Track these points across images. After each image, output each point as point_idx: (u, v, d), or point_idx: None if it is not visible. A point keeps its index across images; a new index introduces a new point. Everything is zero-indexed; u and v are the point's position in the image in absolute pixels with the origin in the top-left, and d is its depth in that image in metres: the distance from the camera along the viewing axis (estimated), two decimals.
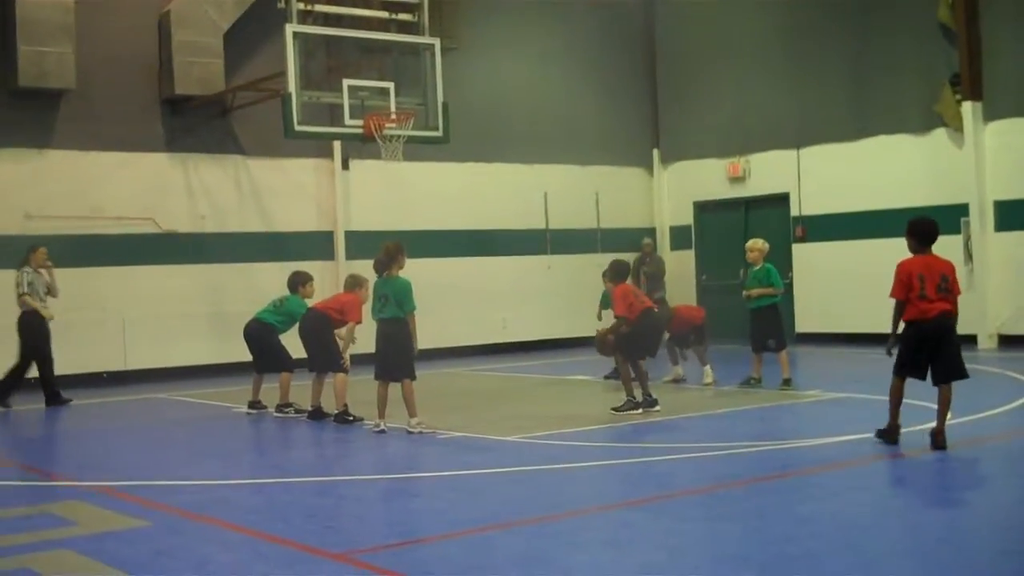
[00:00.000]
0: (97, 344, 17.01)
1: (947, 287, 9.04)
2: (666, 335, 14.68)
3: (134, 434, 12.27)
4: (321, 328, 12.22)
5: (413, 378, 10.96)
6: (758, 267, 13.60)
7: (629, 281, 12.49)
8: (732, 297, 21.46)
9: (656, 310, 12.54)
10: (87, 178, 17.13)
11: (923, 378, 9.15)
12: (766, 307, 13.52)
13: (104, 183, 17.27)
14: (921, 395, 9.44)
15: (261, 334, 12.98)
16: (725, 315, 19.30)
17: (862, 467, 8.72)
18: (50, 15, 16.26)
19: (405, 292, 10.89)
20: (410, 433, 10.76)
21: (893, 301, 9.10)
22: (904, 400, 9.30)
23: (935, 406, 9.13)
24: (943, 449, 8.92)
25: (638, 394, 11.83)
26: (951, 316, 9.08)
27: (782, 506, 7.44)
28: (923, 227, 9.21)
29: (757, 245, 13.78)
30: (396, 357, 10.89)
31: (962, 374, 9.10)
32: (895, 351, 9.14)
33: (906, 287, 8.99)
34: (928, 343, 8.98)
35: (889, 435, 9.30)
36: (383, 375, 11.03)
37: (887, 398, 9.31)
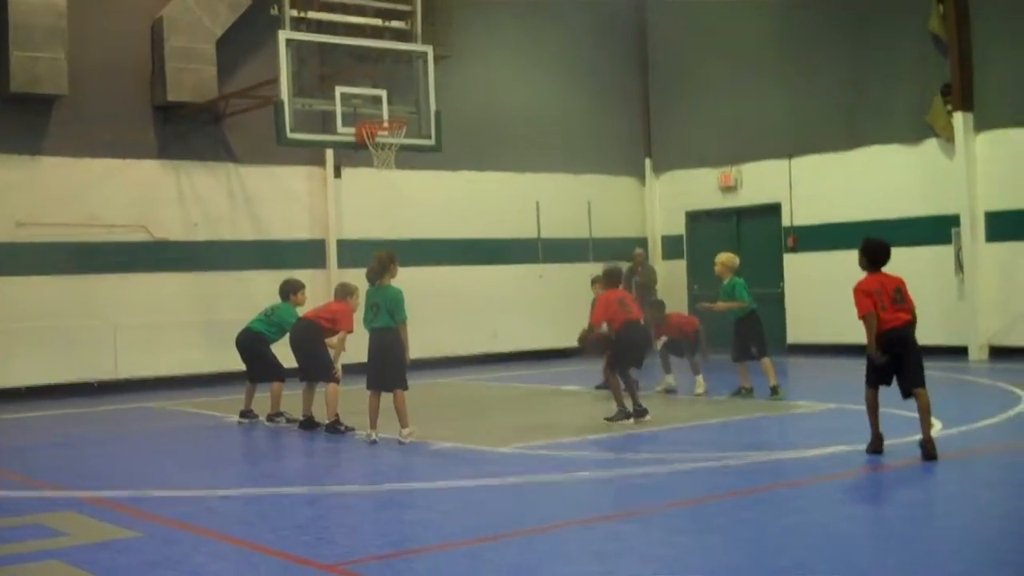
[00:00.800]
0: (88, 352, 16.96)
1: (901, 297, 9.17)
2: (659, 342, 14.72)
3: (125, 444, 12.24)
4: (312, 337, 12.20)
5: (405, 388, 10.95)
6: (726, 281, 13.68)
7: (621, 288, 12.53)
8: None
9: (642, 322, 12.54)
10: (79, 185, 17.10)
11: (890, 384, 9.25)
12: (747, 315, 13.59)
13: (96, 190, 17.23)
14: (910, 406, 9.45)
15: (252, 343, 12.96)
16: (718, 325, 19.25)
17: (853, 478, 8.73)
18: (42, 20, 16.22)
19: (397, 301, 10.87)
20: (401, 443, 10.75)
21: (863, 322, 9.13)
22: (895, 411, 9.32)
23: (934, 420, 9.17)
24: (934, 458, 8.94)
25: (629, 404, 11.84)
26: (912, 324, 9.19)
27: (773, 517, 7.44)
28: (875, 248, 9.37)
29: (722, 259, 13.88)
30: (388, 367, 10.88)
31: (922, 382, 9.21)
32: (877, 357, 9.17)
33: (870, 303, 9.08)
34: (893, 351, 9.07)
35: (873, 446, 9.35)
36: (375, 385, 11.02)
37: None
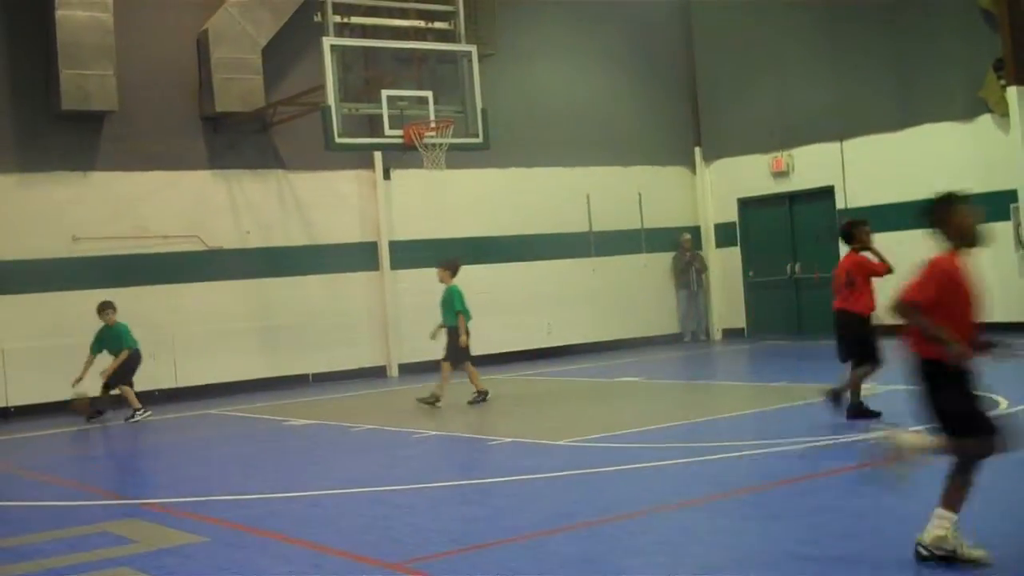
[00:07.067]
0: (148, 362, 17.06)
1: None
2: None
3: (188, 450, 12.35)
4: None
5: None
6: None
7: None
8: (780, 292, 21.37)
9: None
10: (132, 198, 17.28)
11: None
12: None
13: (149, 203, 17.41)
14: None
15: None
16: (771, 311, 19.15)
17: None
18: (90, 38, 16.41)
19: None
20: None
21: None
22: None
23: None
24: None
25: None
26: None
27: (840, 502, 7.35)
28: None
29: None
30: None
31: None
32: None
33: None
34: None
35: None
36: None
37: None
